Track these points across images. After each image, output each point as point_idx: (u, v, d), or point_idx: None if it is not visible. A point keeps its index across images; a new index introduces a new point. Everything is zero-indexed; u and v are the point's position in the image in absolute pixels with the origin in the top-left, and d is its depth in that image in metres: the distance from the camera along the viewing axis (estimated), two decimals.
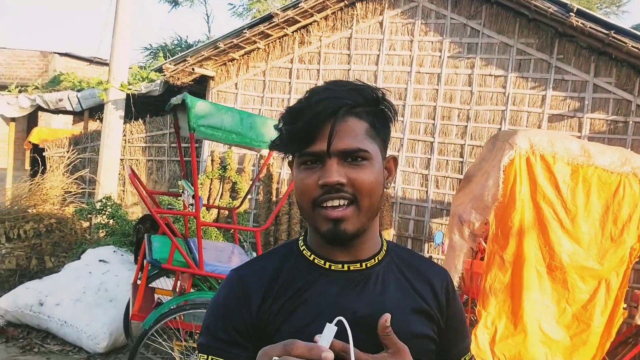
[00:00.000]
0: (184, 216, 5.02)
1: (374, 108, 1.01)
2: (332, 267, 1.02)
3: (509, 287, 3.62)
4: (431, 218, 6.02)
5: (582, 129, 5.49)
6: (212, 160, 6.80)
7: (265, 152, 4.75)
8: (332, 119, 0.95)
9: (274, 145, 1.04)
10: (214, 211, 6.71)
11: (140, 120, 8.16)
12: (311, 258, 1.04)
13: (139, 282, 4.18)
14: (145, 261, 4.07)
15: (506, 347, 3.59)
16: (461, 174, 5.71)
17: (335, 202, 0.96)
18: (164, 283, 4.76)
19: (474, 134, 5.87)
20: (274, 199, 6.61)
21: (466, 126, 5.88)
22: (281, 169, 6.62)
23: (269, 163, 6.39)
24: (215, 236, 6.04)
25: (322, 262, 1.03)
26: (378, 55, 6.23)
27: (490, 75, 5.83)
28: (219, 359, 1.00)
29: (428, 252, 5.85)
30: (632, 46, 4.98)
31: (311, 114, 0.95)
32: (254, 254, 4.38)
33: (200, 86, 7.15)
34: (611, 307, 3.55)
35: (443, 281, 1.11)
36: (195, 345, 3.54)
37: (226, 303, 1.04)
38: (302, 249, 1.06)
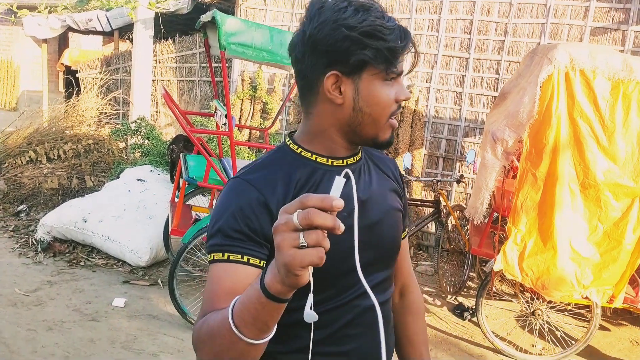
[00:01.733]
0: (217, 136, 5.11)
1: None
2: (334, 163, 1.14)
3: (540, 204, 3.61)
4: (464, 137, 5.95)
5: (626, 43, 5.22)
6: (242, 81, 6.77)
7: None
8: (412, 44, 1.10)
9: (367, 57, 1.05)
10: (246, 132, 6.77)
11: (169, 39, 8.10)
12: (313, 158, 1.14)
13: (176, 200, 4.34)
14: (181, 179, 4.21)
15: (535, 263, 3.65)
16: (496, 91, 5.56)
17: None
18: (200, 201, 4.93)
19: (511, 49, 5.66)
20: None
21: (503, 41, 5.66)
22: None
23: None
24: (248, 156, 6.13)
25: (325, 160, 1.14)
26: None
27: None
28: (237, 255, 1.03)
29: (459, 171, 5.84)
30: None
31: (407, 36, 1.07)
32: None
33: (228, 3, 6.99)
34: None
35: (396, 166, 1.34)
36: None
37: (240, 205, 1.05)
38: (299, 151, 1.15)
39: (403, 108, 5.93)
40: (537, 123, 3.55)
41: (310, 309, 0.79)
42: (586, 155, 3.50)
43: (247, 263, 1.03)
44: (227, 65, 3.82)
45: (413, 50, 1.10)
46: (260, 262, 1.04)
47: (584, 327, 4.09)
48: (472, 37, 5.78)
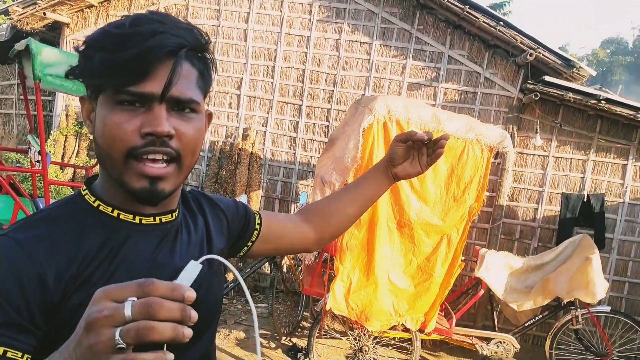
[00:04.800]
0: (32, 174, 4.64)
1: (203, 55, 0.89)
2: (144, 221, 0.92)
3: (363, 243, 3.85)
4: (298, 179, 6.15)
5: (437, 98, 5.88)
6: (67, 115, 6.29)
7: None
8: (172, 59, 0.81)
9: (75, 73, 0.84)
10: (70, 170, 6.27)
11: None
12: (115, 214, 0.90)
13: None
14: None
15: (359, 297, 3.84)
16: (327, 137, 5.87)
17: (158, 156, 0.82)
18: None
19: (339, 99, 6.04)
20: None
21: (333, 90, 6.03)
22: None
23: None
24: None
25: (131, 217, 0.90)
26: (248, 13, 6.12)
27: (356, 41, 6.00)
28: None
29: (294, 212, 5.99)
30: (484, 21, 5.40)
31: (145, 47, 0.78)
32: None
33: (54, 33, 6.53)
34: (451, 259, 3.94)
35: (232, 203, 1.18)
36: None
37: (1, 276, 0.77)
38: (96, 205, 0.90)
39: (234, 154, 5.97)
40: (360, 168, 3.80)
41: None
42: (401, 197, 3.82)
43: (3, 356, 0.74)
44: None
45: (163, 68, 0.81)
46: (23, 357, 0.75)
47: (407, 359, 4.36)
48: (305, 85, 6.08)
